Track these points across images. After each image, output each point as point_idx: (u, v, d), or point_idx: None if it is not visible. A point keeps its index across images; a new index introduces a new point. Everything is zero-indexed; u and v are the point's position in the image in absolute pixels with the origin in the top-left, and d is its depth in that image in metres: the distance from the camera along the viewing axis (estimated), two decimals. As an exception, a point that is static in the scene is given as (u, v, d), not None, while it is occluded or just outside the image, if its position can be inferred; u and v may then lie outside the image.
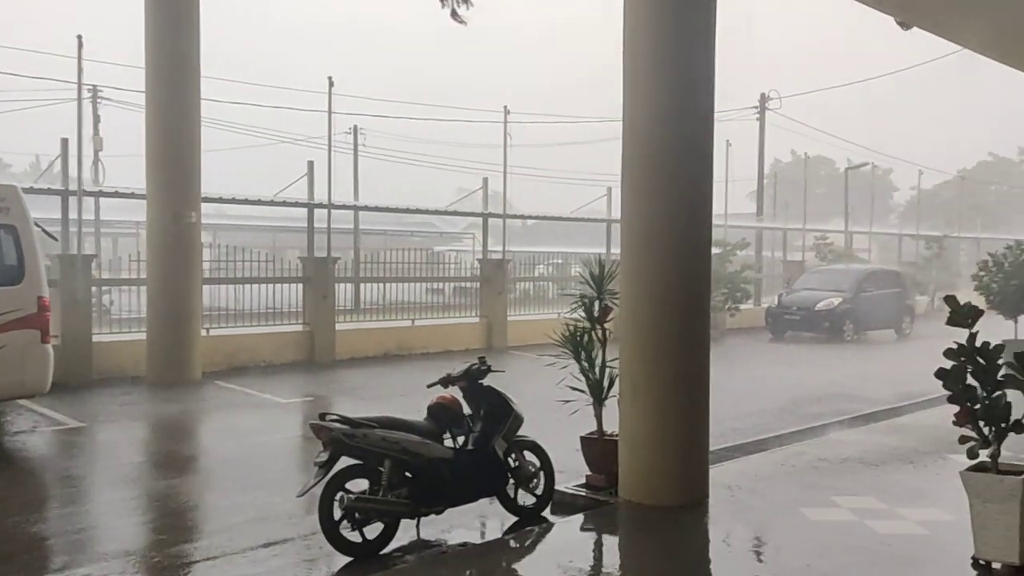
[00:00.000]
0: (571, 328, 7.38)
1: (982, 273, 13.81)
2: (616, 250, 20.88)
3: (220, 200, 15.12)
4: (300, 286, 15.32)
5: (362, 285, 17.49)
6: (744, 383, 13.31)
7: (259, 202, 16.24)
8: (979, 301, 8.54)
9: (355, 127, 28.57)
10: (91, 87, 14.39)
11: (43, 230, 10.13)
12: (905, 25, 10.10)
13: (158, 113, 12.59)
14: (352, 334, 15.69)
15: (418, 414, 6.31)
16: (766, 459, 8.21)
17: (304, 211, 17.09)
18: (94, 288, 13.01)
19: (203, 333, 13.30)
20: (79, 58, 13.53)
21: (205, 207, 13.46)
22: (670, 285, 6.58)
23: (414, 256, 17.64)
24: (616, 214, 21.57)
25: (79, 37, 13.47)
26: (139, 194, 13.43)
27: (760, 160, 28.66)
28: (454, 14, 7.03)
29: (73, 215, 13.36)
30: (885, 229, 39.63)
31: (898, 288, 23.55)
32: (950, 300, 5.40)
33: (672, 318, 6.59)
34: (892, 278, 24.02)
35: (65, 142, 13.05)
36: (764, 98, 28.38)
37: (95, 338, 12.61)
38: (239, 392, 12.03)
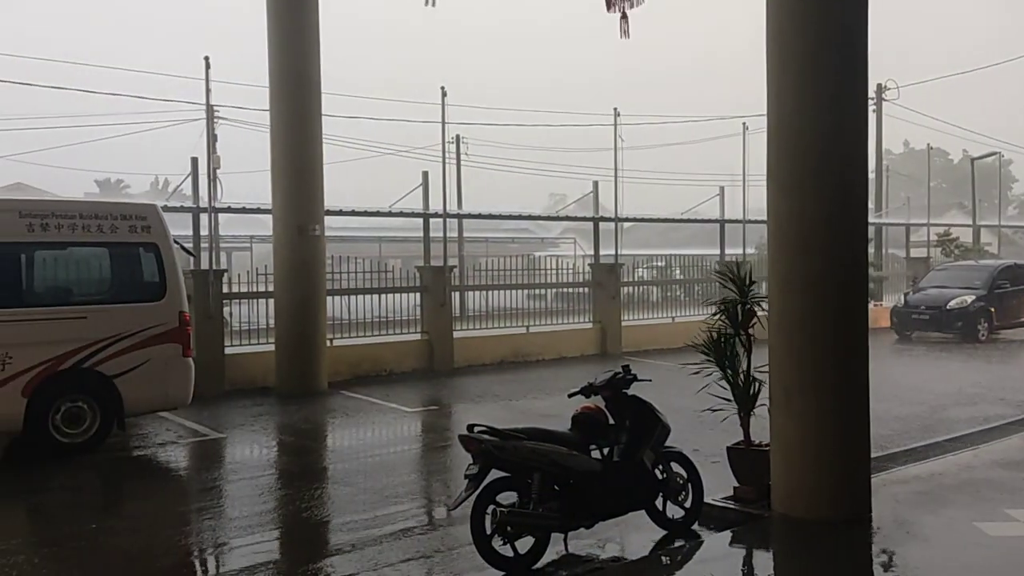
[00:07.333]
0: (713, 334, 7.11)
1: None
2: (730, 251, 20.60)
3: (340, 213, 15.34)
4: (414, 295, 15.44)
5: (466, 292, 17.49)
6: (882, 386, 12.64)
7: (377, 213, 16.44)
8: None
9: (457, 136, 28.80)
10: (207, 107, 14.88)
11: (181, 247, 10.45)
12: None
13: (283, 129, 12.84)
14: (468, 342, 15.70)
15: (548, 421, 6.15)
16: (926, 468, 7.73)
17: (406, 221, 17.37)
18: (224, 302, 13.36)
19: (327, 344, 13.51)
20: (207, 79, 13.90)
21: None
22: (826, 287, 6.25)
23: (520, 263, 17.59)
24: (729, 214, 21.08)
25: (206, 59, 13.83)
26: (265, 209, 13.73)
27: (879, 153, 27.41)
28: (624, 17, 6.79)
29: (199, 231, 13.70)
30: (1009, 222, 37.37)
31: (1035, 283, 22.06)
32: None
33: (829, 321, 6.26)
34: (1029, 273, 22.49)
35: (195, 161, 13.45)
36: (881, 88, 27.13)
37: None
38: (365, 401, 12.16)
